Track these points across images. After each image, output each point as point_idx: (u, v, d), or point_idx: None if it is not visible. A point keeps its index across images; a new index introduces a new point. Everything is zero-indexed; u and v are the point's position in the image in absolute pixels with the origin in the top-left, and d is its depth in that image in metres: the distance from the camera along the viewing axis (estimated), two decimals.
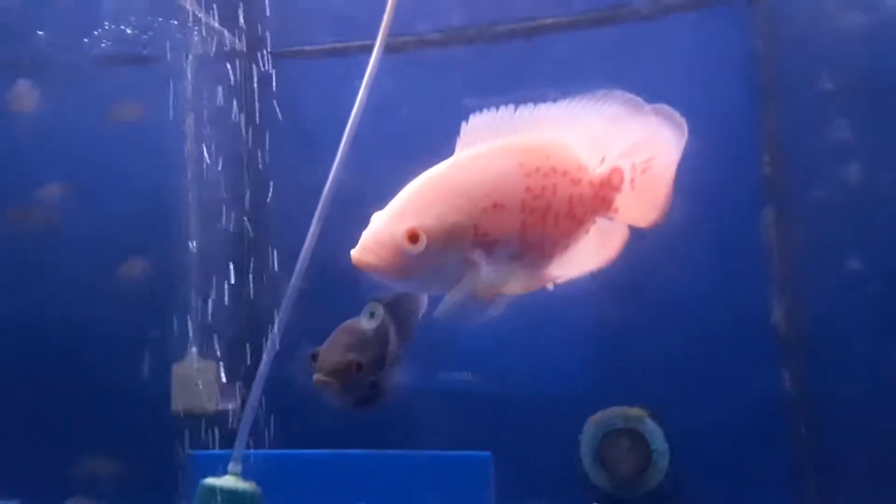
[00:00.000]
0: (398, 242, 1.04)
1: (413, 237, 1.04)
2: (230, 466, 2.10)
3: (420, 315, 2.06)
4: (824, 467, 2.93)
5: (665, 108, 1.29)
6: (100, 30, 3.36)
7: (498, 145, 1.15)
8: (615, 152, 1.23)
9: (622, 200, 1.24)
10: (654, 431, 3.08)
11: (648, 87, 3.23)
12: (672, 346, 3.11)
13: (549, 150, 1.18)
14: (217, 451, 2.96)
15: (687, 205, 3.16)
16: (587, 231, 1.23)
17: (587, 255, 1.25)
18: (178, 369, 3.38)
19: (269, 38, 3.44)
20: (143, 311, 3.44)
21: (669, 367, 3.11)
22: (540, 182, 1.15)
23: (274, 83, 3.37)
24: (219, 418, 3.38)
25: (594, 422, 3.18)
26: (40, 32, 3.42)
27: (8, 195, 3.53)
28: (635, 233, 3.06)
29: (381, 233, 1.06)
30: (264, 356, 2.18)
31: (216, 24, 3.48)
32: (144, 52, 3.47)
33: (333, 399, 1.77)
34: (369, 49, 3.41)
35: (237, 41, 3.55)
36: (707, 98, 3.00)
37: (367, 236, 1.07)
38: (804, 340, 3.03)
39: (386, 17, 2.23)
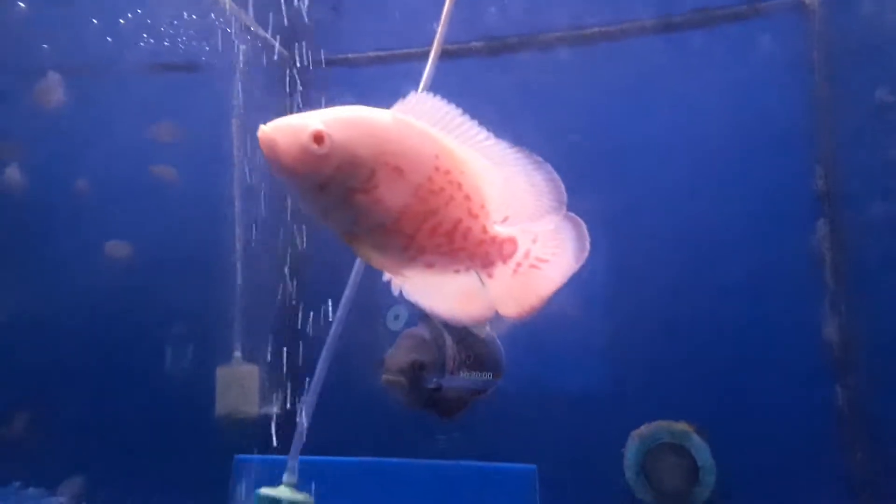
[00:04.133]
0: (305, 136, 1.06)
1: (319, 138, 1.07)
2: (285, 477, 2.11)
3: (482, 329, 2.10)
4: (879, 487, 2.86)
5: (579, 223, 1.23)
6: (148, 39, 3.42)
7: (432, 129, 1.14)
8: (519, 223, 1.20)
9: (500, 275, 1.20)
10: (700, 447, 3.03)
11: (701, 96, 3.22)
12: (720, 359, 3.07)
13: (466, 168, 1.16)
14: (262, 455, 2.99)
15: (739, 215, 3.15)
16: (457, 271, 1.19)
17: (447, 291, 1.20)
18: (221, 373, 3.43)
19: (315, 47, 3.47)
20: (188, 316, 3.48)
21: (717, 382, 3.07)
22: (442, 183, 1.14)
23: (320, 90, 3.40)
24: (261, 422, 3.42)
25: (638, 435, 3.14)
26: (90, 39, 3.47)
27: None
28: (684, 245, 2.99)
29: (296, 123, 1.09)
30: (318, 367, 2.20)
31: (265, 34, 3.52)
32: (193, 60, 3.52)
33: (400, 398, 1.89)
34: (412, 56, 3.45)
35: (284, 50, 3.58)
36: (760, 109, 2.96)
37: (282, 121, 1.09)
38: (858, 356, 2.96)
39: (441, 26, 2.24)
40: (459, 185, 1.15)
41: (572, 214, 1.20)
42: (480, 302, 1.21)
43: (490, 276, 1.20)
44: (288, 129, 1.08)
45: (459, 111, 1.15)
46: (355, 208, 1.11)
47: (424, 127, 1.14)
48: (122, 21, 3.47)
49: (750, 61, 3.08)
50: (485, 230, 1.18)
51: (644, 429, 3.12)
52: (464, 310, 1.21)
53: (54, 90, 3.45)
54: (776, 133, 3.01)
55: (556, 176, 1.19)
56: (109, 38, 3.45)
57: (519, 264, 1.21)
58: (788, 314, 3.04)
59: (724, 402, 3.06)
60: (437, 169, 1.13)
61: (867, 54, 2.96)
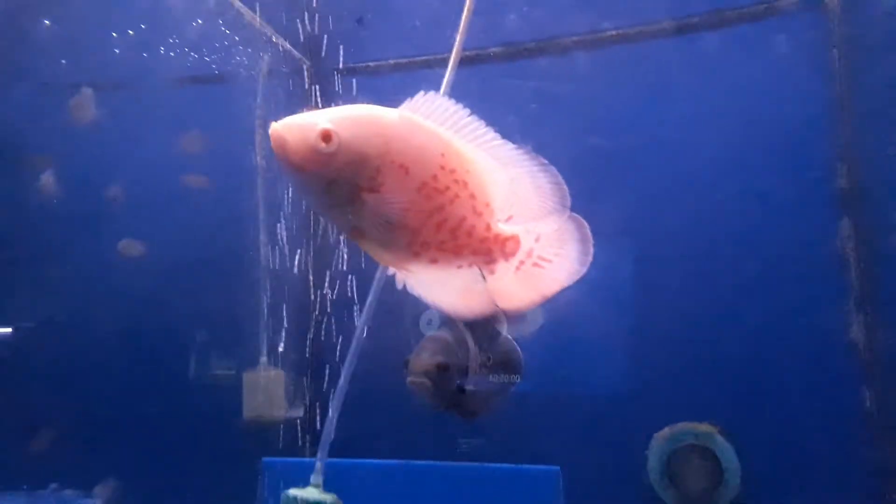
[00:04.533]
0: (314, 135, 1.09)
1: (327, 137, 1.10)
2: (312, 478, 2.16)
3: (500, 331, 2.15)
4: None
5: (583, 224, 1.24)
6: (175, 52, 3.50)
7: (439, 129, 1.16)
8: (523, 223, 1.22)
9: (502, 271, 1.22)
10: (725, 448, 3.02)
11: (720, 97, 3.21)
12: (744, 360, 3.05)
13: (472, 167, 1.18)
14: (289, 458, 3.04)
15: (762, 216, 3.13)
16: (460, 266, 1.22)
17: (449, 286, 1.23)
18: (248, 378, 3.49)
19: (337, 55, 3.53)
20: (216, 322, 3.55)
21: (741, 383, 3.05)
22: (447, 182, 1.16)
23: (342, 98, 3.45)
24: (287, 425, 3.48)
25: (662, 437, 3.13)
26: (116, 51, 3.56)
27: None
28: (706, 246, 2.98)
29: (306, 121, 1.12)
30: (343, 370, 2.25)
31: (286, 43, 3.59)
32: (218, 72, 3.60)
33: (426, 399, 1.93)
34: (433, 63, 3.49)
35: (305, 59, 3.65)
36: (780, 108, 2.94)
37: (292, 119, 1.12)
38: (884, 356, 2.92)
39: (459, 34, 2.28)
40: (465, 184, 1.17)
41: (576, 216, 1.22)
42: (481, 296, 1.24)
43: (492, 272, 1.22)
44: (297, 128, 1.11)
45: (467, 111, 1.18)
46: (361, 205, 1.14)
47: (431, 126, 1.16)
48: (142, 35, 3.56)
49: (769, 61, 3.07)
50: (488, 228, 1.20)
51: (668, 430, 3.12)
52: (465, 304, 1.23)
53: (87, 106, 3.55)
54: (798, 132, 2.99)
55: (560, 180, 1.21)
56: (140, 53, 3.54)
57: (522, 262, 1.23)
58: (814, 315, 3.01)
59: (749, 404, 3.04)
60: (442, 168, 1.16)
61: (886, 51, 2.93)
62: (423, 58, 3.58)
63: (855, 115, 3.02)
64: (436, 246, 1.19)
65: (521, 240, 1.23)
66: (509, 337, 2.37)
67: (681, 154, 3.18)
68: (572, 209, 1.25)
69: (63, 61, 3.72)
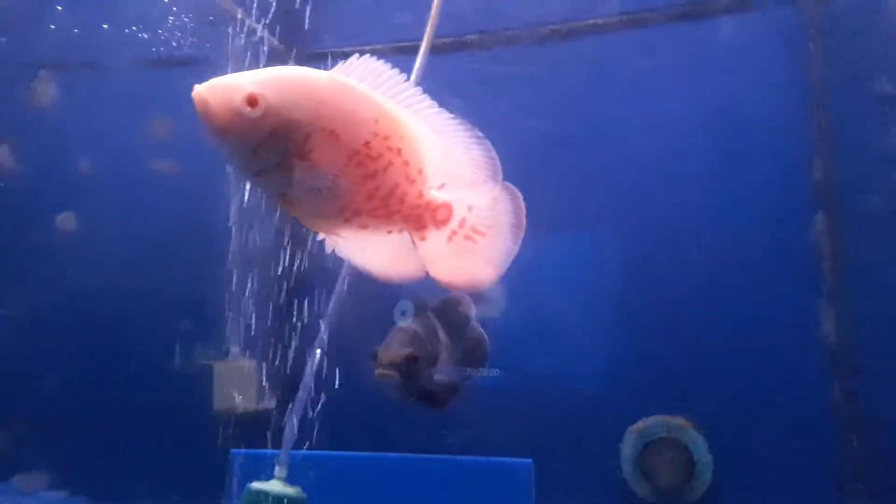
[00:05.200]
0: (238, 99, 1.04)
1: (253, 101, 1.04)
2: (276, 471, 2.12)
3: (470, 317, 2.13)
4: (875, 483, 2.84)
5: (516, 194, 1.21)
6: (143, 33, 3.41)
7: (372, 92, 1.12)
8: (456, 191, 1.19)
9: (433, 239, 1.19)
10: (697, 442, 3.02)
11: (697, 87, 3.18)
12: (717, 354, 3.05)
13: (406, 133, 1.14)
14: (258, 450, 3.00)
15: (738, 209, 3.12)
16: (390, 232, 1.19)
17: (379, 251, 1.20)
18: (219, 368, 3.43)
19: (310, 39, 3.46)
20: (187, 311, 3.49)
21: (714, 376, 3.05)
22: (381, 149, 1.12)
23: None
24: (258, 417, 3.43)
25: (636, 430, 3.13)
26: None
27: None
28: (686, 238, 2.97)
29: (230, 84, 1.06)
30: (308, 363, 2.21)
31: (257, 26, 3.51)
32: (186, 53, 3.51)
33: (395, 392, 1.92)
34: (402, 50, 3.44)
35: (276, 42, 3.57)
36: (756, 100, 2.93)
37: (217, 81, 1.06)
38: (855, 352, 2.94)
39: (431, 20, 2.24)
40: (399, 151, 1.14)
41: (510, 185, 1.19)
42: (412, 262, 1.21)
43: (423, 238, 1.19)
44: (221, 90, 1.05)
45: (403, 76, 1.13)
46: (290, 172, 1.09)
47: (365, 90, 1.11)
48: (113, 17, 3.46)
49: (745, 55, 3.06)
50: (420, 195, 1.17)
51: (641, 423, 3.12)
52: (395, 269, 1.21)
53: (46, 89, 3.45)
54: (773, 126, 2.98)
55: (493, 153, 1.18)
56: (104, 34, 3.44)
57: (454, 232, 1.20)
58: (787, 308, 3.02)
59: (722, 397, 3.04)
60: (375, 134, 1.12)
61: (864, 45, 2.93)
62: (399, 44, 3.52)
63: (830, 109, 3.01)
64: (367, 212, 1.16)
65: (453, 207, 1.19)
66: (476, 324, 2.35)
67: (655, 147, 3.16)
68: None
69: (27, 40, 3.61)
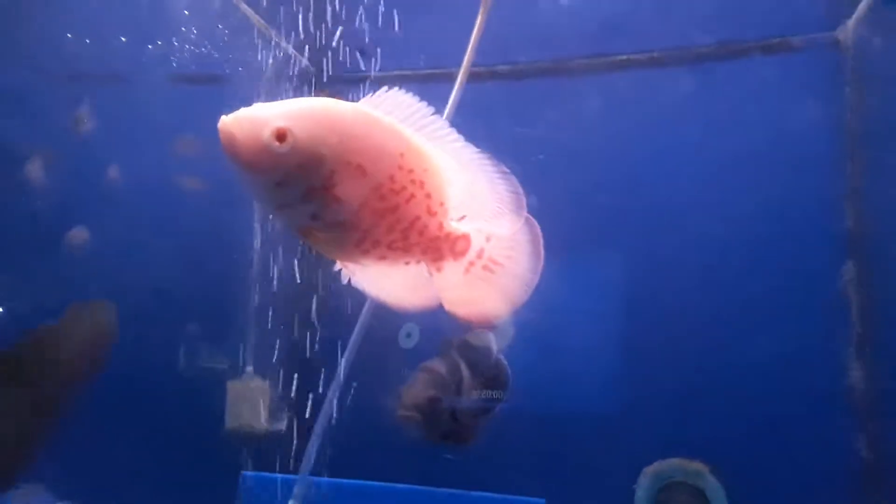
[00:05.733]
0: (266, 133, 1.02)
1: (281, 136, 1.02)
2: (291, 503, 2.10)
3: (493, 354, 2.13)
4: None
5: (535, 226, 1.19)
6: (175, 49, 3.45)
7: (399, 126, 1.11)
8: (476, 224, 1.18)
9: (450, 270, 1.17)
10: (715, 488, 2.95)
11: (733, 128, 3.15)
12: (740, 398, 2.99)
13: (430, 166, 1.13)
14: (269, 474, 2.97)
15: (768, 253, 3.08)
16: (408, 263, 1.18)
17: (395, 281, 1.19)
18: (233, 387, 3.42)
19: (338, 62, 3.48)
20: (204, 328, 3.49)
21: (736, 421, 2.99)
22: (404, 182, 1.11)
23: None
24: (268, 438, 3.41)
25: (651, 472, 3.07)
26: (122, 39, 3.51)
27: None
28: (707, 278, 2.91)
29: (258, 117, 1.04)
30: (330, 390, 2.19)
31: (289, 47, 3.54)
32: (218, 71, 3.54)
33: (418, 432, 1.93)
34: (437, 77, 3.45)
35: (309, 64, 3.60)
36: (791, 145, 2.90)
37: (244, 113, 1.04)
38: (883, 402, 2.87)
39: (470, 47, 2.24)
40: (422, 184, 1.12)
41: (530, 218, 1.18)
42: (426, 293, 1.20)
43: (439, 269, 1.18)
44: (249, 124, 1.03)
45: (430, 109, 1.12)
46: (313, 205, 1.08)
47: (391, 123, 1.10)
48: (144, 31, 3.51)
49: (782, 97, 3.03)
50: (441, 227, 1.16)
51: (657, 465, 3.05)
52: (409, 299, 1.20)
53: (86, 120, 3.50)
54: (807, 169, 2.95)
55: (519, 188, 1.16)
56: (139, 49, 3.49)
57: (472, 263, 1.18)
58: (813, 356, 2.96)
59: (743, 443, 2.98)
60: (400, 168, 1.10)
61: None
62: (430, 71, 3.54)
63: (864, 156, 2.97)
64: (386, 244, 1.15)
65: (471, 239, 1.18)
66: (501, 357, 2.34)
67: (687, 184, 3.14)
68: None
69: (61, 51, 3.66)
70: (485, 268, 1.18)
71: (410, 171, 1.11)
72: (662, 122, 3.16)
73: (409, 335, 2.35)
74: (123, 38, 3.47)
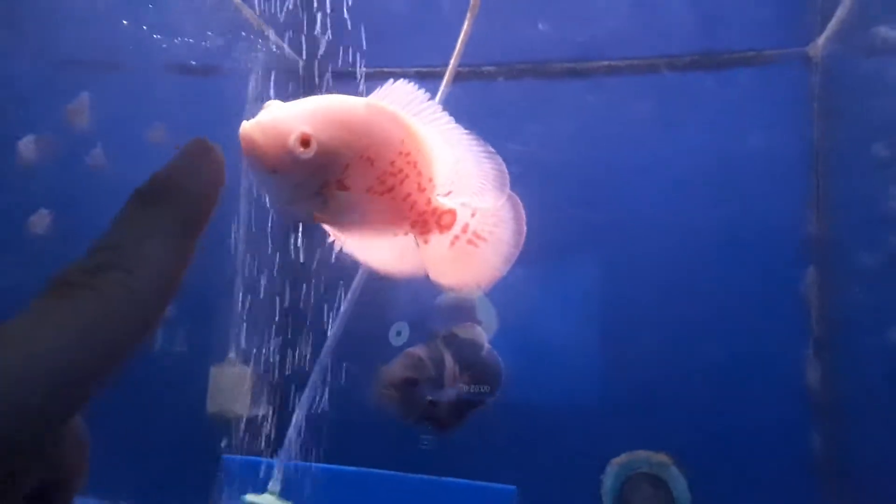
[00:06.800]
0: (291, 140, 1.01)
1: (306, 142, 1.02)
2: (270, 485, 2.18)
3: (482, 347, 2.22)
4: None
5: (518, 203, 1.24)
6: (164, 39, 3.48)
7: (403, 115, 1.13)
8: (461, 198, 1.22)
9: (436, 242, 1.22)
10: (677, 479, 3.09)
11: (699, 134, 3.26)
12: (702, 396, 3.12)
13: (424, 148, 1.17)
14: (250, 457, 3.05)
15: (732, 254, 3.21)
16: (396, 234, 1.22)
17: (383, 250, 1.24)
18: (215, 372, 3.48)
19: (331, 57, 3.54)
20: (187, 312, 3.53)
21: (700, 416, 3.12)
22: (402, 165, 1.14)
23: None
24: (249, 423, 3.47)
25: (618, 463, 3.20)
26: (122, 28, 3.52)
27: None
28: (677, 279, 3.04)
29: (281, 123, 1.03)
30: (311, 378, 2.27)
31: (280, 41, 3.59)
32: (208, 63, 3.58)
33: (395, 411, 2.01)
34: (427, 75, 3.52)
35: (299, 58, 3.65)
36: (759, 153, 3.03)
37: (267, 119, 1.03)
38: (837, 405, 3.02)
39: (459, 44, 2.32)
40: (416, 164, 1.16)
41: (513, 195, 1.22)
42: (413, 262, 1.24)
43: (426, 241, 1.22)
44: (273, 131, 1.02)
45: (427, 95, 1.13)
46: (322, 197, 1.11)
47: (393, 111, 1.12)
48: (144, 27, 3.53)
49: (751, 107, 3.15)
50: (429, 202, 1.20)
51: (624, 457, 3.18)
52: (396, 266, 1.24)
53: (84, 111, 3.51)
54: (772, 177, 3.08)
55: (504, 167, 1.20)
56: (131, 37, 3.51)
57: (457, 237, 1.23)
58: (774, 357, 3.10)
59: (705, 438, 3.11)
60: (400, 153, 1.13)
61: (866, 109, 3.03)
62: (419, 69, 3.60)
63: (828, 166, 3.12)
64: (380, 220, 1.19)
65: (457, 213, 1.22)
66: (493, 351, 2.41)
67: (655, 187, 3.26)
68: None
69: (54, 36, 3.67)
70: (469, 241, 1.23)
71: (408, 153, 1.14)
72: (633, 128, 3.27)
73: (399, 333, 2.43)
74: (125, 21, 3.49)
